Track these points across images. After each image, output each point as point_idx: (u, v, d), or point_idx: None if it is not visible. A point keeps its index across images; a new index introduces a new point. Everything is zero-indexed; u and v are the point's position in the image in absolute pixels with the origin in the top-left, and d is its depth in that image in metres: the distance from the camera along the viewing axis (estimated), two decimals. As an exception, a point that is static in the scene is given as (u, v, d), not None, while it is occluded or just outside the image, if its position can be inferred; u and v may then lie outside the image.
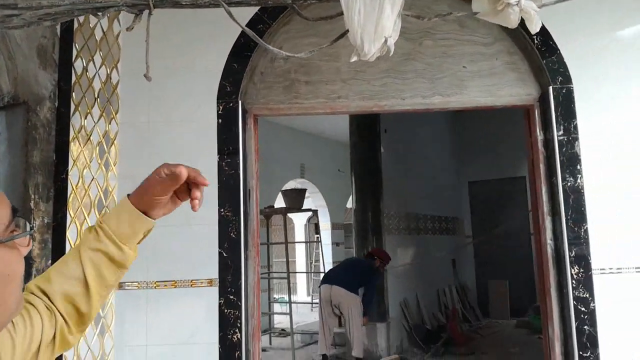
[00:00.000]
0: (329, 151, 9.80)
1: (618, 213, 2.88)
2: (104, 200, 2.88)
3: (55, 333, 0.88)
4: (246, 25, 3.05)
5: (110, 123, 2.96)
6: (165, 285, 2.83)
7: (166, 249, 2.86)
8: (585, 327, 2.79)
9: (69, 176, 2.83)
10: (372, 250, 5.85)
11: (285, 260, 6.92)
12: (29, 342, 0.82)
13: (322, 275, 8.06)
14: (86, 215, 2.83)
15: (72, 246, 2.74)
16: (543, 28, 2.98)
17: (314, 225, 10.21)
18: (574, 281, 2.82)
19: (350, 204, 7.87)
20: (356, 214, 6.37)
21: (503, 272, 8.23)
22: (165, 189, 0.96)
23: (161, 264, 2.84)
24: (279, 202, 7.99)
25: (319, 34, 3.11)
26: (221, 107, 2.97)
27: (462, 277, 8.30)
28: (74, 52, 2.95)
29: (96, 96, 2.94)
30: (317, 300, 6.00)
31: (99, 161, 2.91)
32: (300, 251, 11.78)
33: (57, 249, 2.79)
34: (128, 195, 0.99)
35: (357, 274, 5.53)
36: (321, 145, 9.70)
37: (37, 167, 2.79)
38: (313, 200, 9.89)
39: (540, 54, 3.00)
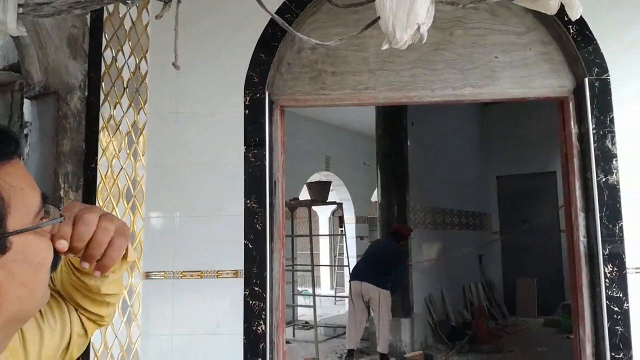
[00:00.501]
0: (355, 144, 9.74)
1: (656, 210, 2.78)
2: (132, 190, 2.90)
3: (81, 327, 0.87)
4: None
5: (138, 113, 2.98)
6: (192, 276, 2.84)
7: (192, 239, 2.87)
8: (618, 327, 2.70)
9: (98, 165, 2.86)
10: (394, 229, 5.79)
11: (309, 252, 6.91)
12: (59, 336, 0.81)
13: (346, 269, 8.05)
14: (114, 205, 2.85)
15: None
16: (579, 17, 2.88)
17: (338, 219, 10.18)
18: (607, 280, 2.73)
19: (375, 197, 7.82)
20: (381, 207, 6.31)
21: (531, 269, 8.07)
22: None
23: (187, 254, 2.86)
24: (304, 195, 7.99)
25: (346, 24, 3.06)
26: (248, 98, 2.96)
27: (488, 274, 8.17)
28: (104, 42, 2.97)
29: (125, 86, 2.96)
30: (342, 294, 5.97)
31: (128, 151, 2.93)
32: (324, 244, 11.77)
33: (86, 238, 2.82)
34: None
35: (385, 265, 5.50)
36: (346, 137, 9.64)
37: (67, 156, 2.83)
38: (338, 193, 9.86)
39: (575, 44, 2.90)
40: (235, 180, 2.88)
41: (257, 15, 2.74)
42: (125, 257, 0.78)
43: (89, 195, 2.85)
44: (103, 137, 2.91)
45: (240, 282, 2.80)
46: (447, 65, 3.05)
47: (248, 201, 2.84)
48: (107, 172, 2.87)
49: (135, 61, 3.00)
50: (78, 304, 0.85)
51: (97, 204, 2.83)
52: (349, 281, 5.76)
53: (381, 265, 5.47)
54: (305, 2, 3.02)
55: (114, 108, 2.92)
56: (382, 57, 3.08)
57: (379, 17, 1.56)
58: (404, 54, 3.04)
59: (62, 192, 2.80)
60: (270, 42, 3.01)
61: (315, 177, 8.82)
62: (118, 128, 2.92)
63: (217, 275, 2.83)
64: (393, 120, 6.28)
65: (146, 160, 2.94)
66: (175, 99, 3.00)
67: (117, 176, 2.88)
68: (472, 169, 8.20)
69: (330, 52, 3.11)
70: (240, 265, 2.80)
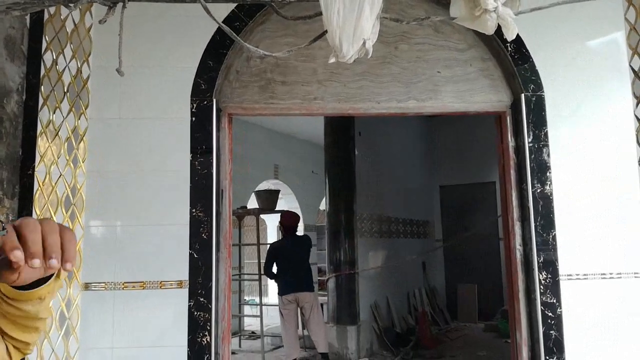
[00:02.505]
0: (304, 152, 9.78)
1: (585, 220, 2.95)
2: (71, 198, 2.80)
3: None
4: (222, 22, 3.02)
5: (79, 118, 2.88)
6: (134, 287, 2.77)
7: (135, 249, 2.79)
8: (552, 332, 2.85)
9: (35, 172, 2.74)
10: (287, 224, 5.86)
11: (257, 261, 6.86)
12: None
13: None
14: (52, 213, 2.74)
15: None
16: (516, 36, 3.04)
17: (279, 228, 10.16)
18: (541, 286, 2.87)
19: (323, 206, 7.87)
20: (329, 216, 6.37)
21: (472, 275, 8.36)
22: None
23: (130, 264, 2.78)
24: (252, 203, 7.93)
25: (296, 34, 3.09)
26: (195, 105, 2.93)
27: (432, 280, 8.38)
28: (44, 44, 2.86)
29: (66, 90, 2.86)
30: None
31: (67, 157, 2.83)
32: (272, 252, 11.70)
33: (21, 247, 2.69)
34: None
35: (304, 261, 5.62)
36: (296, 146, 9.67)
37: (2, 162, 2.69)
38: (286, 201, 9.85)
39: (513, 61, 3.05)
40: (181, 189, 2.83)
41: (206, 21, 2.71)
42: (58, 274, 0.74)
43: (26, 203, 2.73)
44: (41, 143, 2.79)
45: (185, 292, 2.75)
46: (392, 78, 3.14)
47: (194, 210, 2.80)
48: (45, 179, 2.75)
49: (77, 64, 2.90)
50: (4, 333, 0.80)
51: (34, 213, 2.71)
52: (281, 295, 5.67)
53: (301, 264, 5.56)
54: (254, 11, 3.02)
55: (54, 112, 2.82)
56: (330, 68, 3.13)
57: (326, 31, 1.59)
58: (351, 67, 3.10)
59: (-5, 200, 2.66)
60: (218, 49, 2.99)
61: (264, 186, 8.78)
62: (57, 133, 2.81)
63: (160, 286, 2.76)
64: (341, 129, 6.37)
65: (87, 166, 2.85)
66: (118, 104, 2.93)
67: (55, 183, 2.77)
68: (417, 178, 8.41)
69: (279, 62, 3.13)
70: (185, 275, 2.75)
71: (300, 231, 5.85)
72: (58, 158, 2.80)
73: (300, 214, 10.07)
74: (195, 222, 2.79)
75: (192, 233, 2.78)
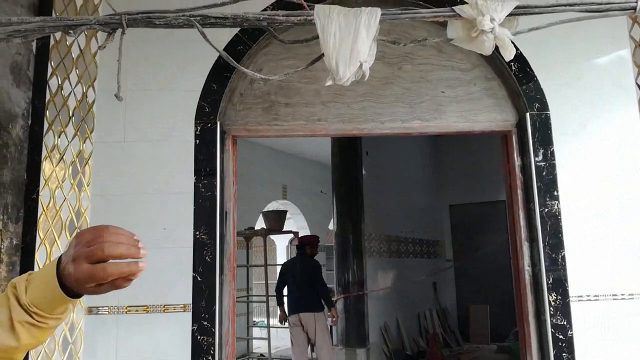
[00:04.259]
0: (311, 172, 9.78)
1: (594, 239, 2.89)
2: (75, 222, 2.80)
3: None
4: (226, 46, 3.05)
5: (84, 142, 2.90)
6: (137, 310, 2.75)
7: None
8: (564, 354, 2.77)
9: (40, 196, 2.75)
10: (300, 242, 5.88)
11: (264, 282, 6.81)
12: None
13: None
14: (56, 237, 2.74)
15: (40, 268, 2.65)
16: (520, 55, 3.03)
17: (295, 247, 10.12)
18: (551, 308, 2.81)
19: (332, 225, 7.84)
20: (337, 236, 6.33)
21: (484, 295, 8.22)
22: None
23: (133, 288, 2.72)
24: (261, 223, 7.92)
25: (298, 57, 3.11)
26: (199, 128, 2.94)
27: (443, 301, 8.26)
28: (49, 70, 2.89)
29: (71, 115, 2.89)
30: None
31: (72, 181, 2.84)
32: (281, 273, 11.63)
33: (26, 272, 2.69)
34: (59, 261, 0.80)
35: (309, 285, 5.51)
36: (303, 166, 9.68)
37: (7, 186, 2.71)
38: (295, 221, 9.83)
39: (517, 80, 3.04)
40: (184, 211, 2.83)
41: (209, 45, 2.75)
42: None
43: (30, 227, 2.73)
44: (46, 167, 2.81)
45: (188, 316, 2.72)
46: (396, 99, 3.13)
47: (197, 232, 2.79)
48: (49, 203, 2.76)
49: (83, 89, 2.94)
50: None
51: (37, 237, 2.71)
52: (288, 316, 5.67)
53: (306, 284, 5.49)
54: (258, 35, 3.05)
55: (59, 137, 2.84)
56: (333, 89, 3.13)
57: (323, 54, 1.59)
58: (354, 88, 3.11)
59: (0, 224, 2.67)
60: (222, 72, 3.02)
61: (272, 206, 8.78)
62: (62, 157, 2.83)
63: (164, 310, 2.74)
64: (348, 149, 6.37)
65: (91, 190, 2.86)
66: (123, 128, 2.95)
67: (59, 207, 2.77)
68: (426, 197, 8.36)
69: (283, 84, 3.14)
70: (188, 299, 2.73)
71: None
72: (62, 182, 2.81)
73: (308, 233, 10.08)
74: (199, 245, 2.78)
75: (195, 256, 2.77)
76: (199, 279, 2.76)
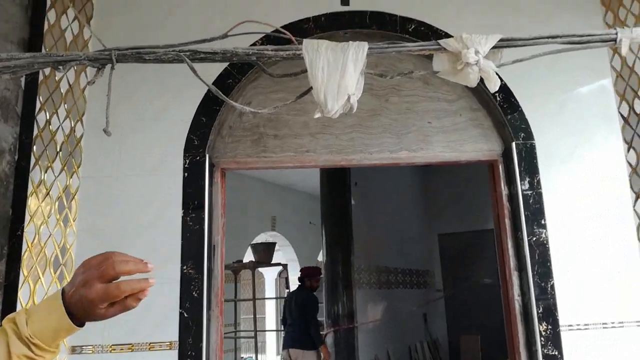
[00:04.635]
0: (301, 203, 9.77)
1: (582, 268, 2.90)
2: (60, 258, 2.75)
3: None
4: (215, 80, 3.08)
5: (71, 177, 2.88)
6: (122, 349, 2.68)
7: (125, 308, 2.72)
8: (557, 385, 2.74)
9: (24, 232, 2.71)
10: (300, 274, 5.79)
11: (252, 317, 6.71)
12: None
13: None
14: (40, 274, 2.69)
15: (23, 307, 2.59)
16: (504, 86, 3.09)
17: (284, 280, 10.02)
18: (542, 338, 2.79)
19: (321, 257, 7.79)
20: (326, 267, 6.28)
21: (475, 325, 8.14)
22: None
23: (118, 325, 2.70)
24: (249, 256, 7.85)
25: (287, 90, 3.14)
26: (188, 161, 2.93)
27: (433, 332, 8.17)
28: (38, 105, 2.89)
29: (58, 149, 2.87)
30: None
31: (58, 217, 2.80)
32: (271, 307, 11.47)
33: (8, 311, 2.63)
34: (63, 292, 0.86)
35: (302, 316, 5.42)
36: (293, 197, 9.67)
37: (-9, 222, 2.66)
38: (284, 253, 9.75)
39: (502, 110, 3.09)
40: (172, 245, 2.79)
41: (199, 79, 2.78)
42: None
43: (14, 264, 2.67)
44: (32, 203, 2.77)
45: (175, 354, 2.65)
46: (383, 130, 3.16)
47: (185, 267, 2.75)
48: (34, 240, 2.71)
49: (71, 124, 2.93)
50: None
51: (21, 274, 2.65)
52: (282, 350, 5.62)
53: (299, 319, 5.41)
54: (247, 68, 3.08)
55: (45, 172, 2.81)
56: (322, 121, 3.16)
57: (312, 87, 1.61)
58: (342, 119, 3.14)
59: (-17, 261, 2.61)
60: (211, 105, 3.03)
61: (261, 238, 8.72)
62: (48, 192, 2.80)
63: (149, 348, 2.67)
64: (337, 180, 6.39)
65: (77, 225, 2.82)
66: (111, 162, 2.93)
67: (44, 244, 2.72)
68: (415, 227, 8.36)
69: (272, 116, 3.16)
70: (175, 336, 2.67)
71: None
72: (48, 218, 2.77)
73: (298, 266, 9.98)
74: (186, 280, 2.74)
75: (182, 291, 2.72)
76: (185, 315, 2.71)
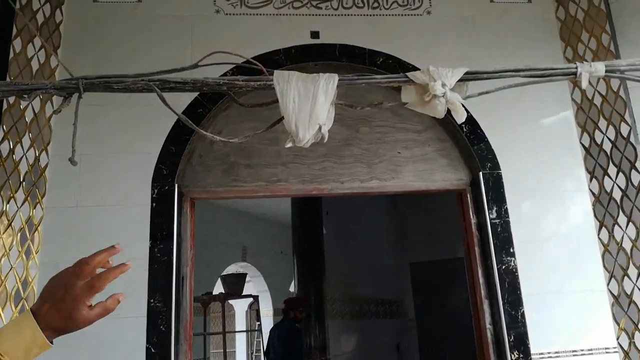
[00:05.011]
0: (272, 233, 9.68)
1: (551, 295, 2.94)
2: (22, 292, 2.64)
3: None
4: (185, 109, 3.06)
5: (34, 208, 2.79)
6: (84, 388, 2.56)
7: (87, 346, 2.62)
8: (530, 414, 2.74)
9: (-17, 266, 2.60)
10: (285, 306, 5.69)
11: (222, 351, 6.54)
12: None
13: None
14: (0, 309, 2.57)
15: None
16: (470, 117, 3.17)
17: (255, 312, 9.83)
18: (515, 366, 2.79)
19: (293, 287, 7.69)
20: (298, 298, 6.20)
21: (448, 354, 8.11)
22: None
23: (82, 361, 2.59)
24: (219, 287, 7.69)
25: (258, 119, 3.14)
26: (156, 191, 2.89)
27: (407, 362, 8.10)
28: (1, 134, 2.81)
29: (21, 179, 2.79)
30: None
31: (20, 249, 2.70)
32: (241, 340, 11.21)
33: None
34: (32, 311, 0.88)
35: (285, 353, 5.32)
36: (264, 227, 9.58)
37: (-53, 255, 2.55)
38: (255, 284, 9.60)
39: (469, 141, 3.16)
40: (139, 278, 2.72)
41: (168, 109, 2.76)
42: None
43: (-30, 299, 2.56)
44: (-8, 234, 2.67)
45: (141, 391, 2.56)
46: (355, 159, 3.19)
47: (152, 300, 2.67)
48: (-7, 273, 2.60)
49: (35, 153, 2.86)
50: None
51: (-22, 309, 2.53)
52: None
53: (282, 350, 5.30)
54: (217, 98, 3.08)
55: (7, 202, 2.72)
56: (294, 151, 3.16)
57: (283, 117, 1.62)
58: (314, 149, 3.15)
59: (-63, 297, 2.49)
60: (181, 135, 3.01)
61: (232, 269, 8.58)
62: (10, 224, 2.71)
63: (114, 386, 2.57)
64: (308, 209, 6.37)
65: (40, 257, 2.72)
66: (77, 192, 2.86)
67: (5, 277, 2.62)
68: (387, 256, 8.36)
69: (243, 146, 3.15)
70: (141, 372, 2.58)
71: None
72: (10, 250, 2.67)
73: (269, 297, 9.83)
74: (153, 313, 2.66)
75: (149, 325, 2.64)
76: (152, 350, 2.62)
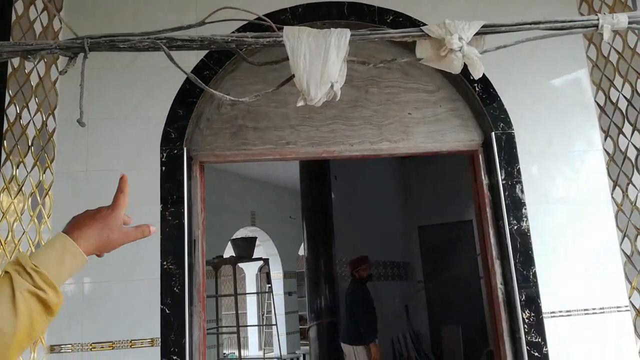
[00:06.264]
0: (280, 198, 9.72)
1: (563, 255, 2.93)
2: (35, 256, 2.66)
3: None
4: (192, 72, 3.01)
5: (44, 172, 2.79)
6: (102, 347, 2.61)
7: (103, 306, 2.66)
8: (540, 371, 2.77)
9: (-4, 230, 2.62)
10: (349, 269, 5.53)
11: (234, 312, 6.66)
12: None
13: (274, 328, 7.81)
14: (14, 272, 2.60)
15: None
16: (483, 76, 3.08)
17: (265, 275, 9.97)
18: (525, 326, 2.81)
19: (302, 251, 7.76)
20: (308, 262, 6.26)
21: (456, 316, 8.22)
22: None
23: (98, 323, 2.63)
24: (229, 252, 7.77)
25: (266, 81, 3.09)
26: (165, 155, 2.87)
27: (415, 324, 8.23)
28: (7, 99, 2.79)
29: (30, 144, 2.78)
30: (271, 355, 5.74)
31: (31, 213, 2.71)
32: (252, 302, 11.41)
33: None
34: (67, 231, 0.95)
35: (349, 315, 5.21)
36: (272, 192, 9.61)
37: (-40, 221, 2.56)
38: (264, 248, 9.70)
39: (481, 100, 3.09)
40: (151, 241, 2.73)
41: (175, 70, 2.70)
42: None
43: (-15, 263, 2.58)
44: (4, 199, 2.68)
45: (157, 351, 2.60)
46: (364, 121, 3.14)
47: (165, 263, 2.69)
48: (7, 237, 2.62)
49: (42, 118, 2.84)
50: (30, 331, 0.86)
51: (-7, 273, 2.56)
52: None
53: (349, 314, 5.23)
54: (224, 59, 3.03)
55: (17, 167, 2.72)
56: (302, 113, 3.12)
57: (293, 75, 1.57)
58: (323, 110, 3.11)
59: (-48, 261, 2.52)
60: (188, 98, 2.97)
61: (241, 233, 8.65)
62: (21, 189, 2.71)
63: (131, 345, 2.62)
64: (317, 174, 6.36)
65: (52, 222, 2.74)
66: (85, 157, 2.85)
67: (18, 241, 2.64)
68: (395, 219, 8.39)
69: (251, 108, 3.11)
70: (157, 333, 2.62)
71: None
72: (21, 214, 2.68)
73: (279, 260, 9.94)
74: (167, 276, 2.68)
75: (163, 287, 2.67)
76: (167, 311, 2.65)
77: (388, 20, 3.17)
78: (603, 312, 2.86)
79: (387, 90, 3.21)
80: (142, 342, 2.62)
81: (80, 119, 1.56)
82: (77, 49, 1.61)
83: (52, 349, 2.62)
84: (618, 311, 2.87)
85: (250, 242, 6.91)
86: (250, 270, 11.19)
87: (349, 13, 3.17)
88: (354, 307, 5.18)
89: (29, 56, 1.65)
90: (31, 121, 2.80)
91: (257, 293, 11.02)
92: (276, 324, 7.56)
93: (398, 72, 3.21)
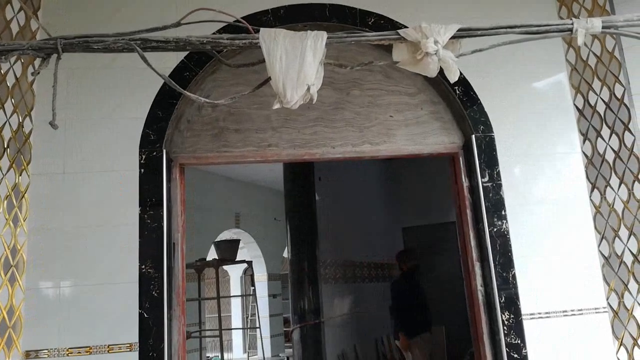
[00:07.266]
0: (265, 200, 9.68)
1: (541, 257, 2.96)
2: (10, 259, 2.62)
3: None
4: (171, 73, 2.99)
5: (20, 174, 2.74)
6: (79, 352, 2.57)
7: (81, 311, 2.62)
8: (519, 372, 2.79)
9: (-30, 234, 2.57)
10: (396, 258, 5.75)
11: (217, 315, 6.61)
12: None
13: (258, 331, 7.78)
14: (-11, 277, 2.55)
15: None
16: (463, 79, 3.12)
17: (250, 277, 9.92)
18: (505, 327, 2.83)
19: (286, 253, 7.74)
20: (292, 263, 6.24)
21: (439, 317, 8.25)
22: None
23: (75, 328, 2.59)
24: (213, 254, 7.72)
25: (247, 82, 3.08)
26: (144, 156, 2.84)
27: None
28: (-18, 100, 2.74)
29: (6, 146, 2.73)
30: (254, 357, 5.73)
31: (7, 217, 2.66)
32: (237, 305, 11.35)
33: (-47, 316, 2.48)
34: None
35: (393, 307, 5.47)
36: (256, 193, 9.57)
37: None
38: (248, 250, 9.65)
39: (462, 103, 3.11)
40: (130, 244, 2.70)
41: (154, 72, 2.69)
42: None
43: (-42, 267, 2.53)
44: (-22, 202, 2.63)
45: (135, 356, 2.57)
46: (346, 123, 3.14)
47: (143, 266, 2.66)
48: (-19, 241, 2.57)
49: (19, 119, 2.79)
50: None
51: (-33, 277, 2.51)
52: None
53: (395, 306, 5.46)
54: (204, 61, 3.00)
55: (-8, 170, 2.67)
56: (284, 115, 3.11)
57: (270, 77, 1.57)
58: (305, 113, 3.10)
59: None
60: (168, 99, 2.94)
61: (225, 235, 8.60)
62: (-4, 191, 2.66)
63: (108, 351, 2.58)
64: (300, 175, 6.34)
65: (28, 225, 2.69)
66: (63, 159, 2.81)
67: (-7, 244, 2.59)
68: (379, 221, 8.40)
69: (232, 110, 3.09)
70: (135, 337, 2.58)
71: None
72: (-4, 218, 2.63)
73: (263, 262, 9.90)
74: (145, 279, 2.65)
75: (141, 291, 2.64)
76: (145, 315, 2.62)
77: (370, 23, 3.17)
78: (582, 314, 2.89)
79: (369, 92, 3.21)
80: (120, 347, 2.59)
81: (52, 121, 1.54)
82: (50, 50, 1.59)
83: (28, 354, 2.57)
84: (596, 312, 2.90)
85: (233, 245, 6.87)
86: (234, 272, 11.13)
87: (330, 15, 3.17)
88: (396, 297, 5.49)
89: (2, 57, 1.63)
90: (7, 122, 2.75)
91: (242, 296, 10.96)
92: (259, 327, 7.52)
93: (380, 74, 3.22)
